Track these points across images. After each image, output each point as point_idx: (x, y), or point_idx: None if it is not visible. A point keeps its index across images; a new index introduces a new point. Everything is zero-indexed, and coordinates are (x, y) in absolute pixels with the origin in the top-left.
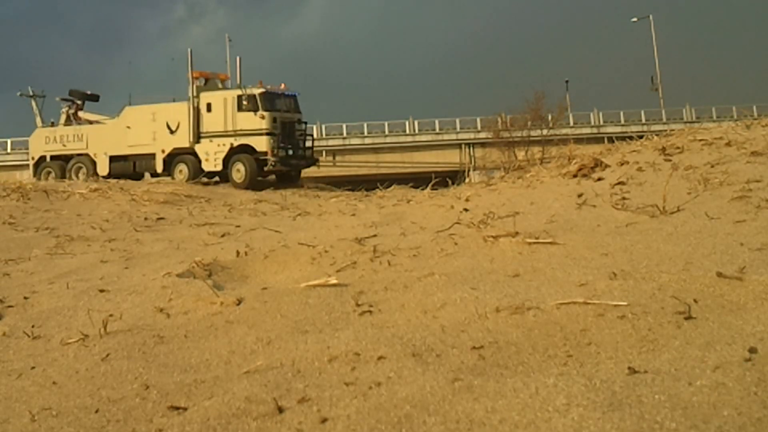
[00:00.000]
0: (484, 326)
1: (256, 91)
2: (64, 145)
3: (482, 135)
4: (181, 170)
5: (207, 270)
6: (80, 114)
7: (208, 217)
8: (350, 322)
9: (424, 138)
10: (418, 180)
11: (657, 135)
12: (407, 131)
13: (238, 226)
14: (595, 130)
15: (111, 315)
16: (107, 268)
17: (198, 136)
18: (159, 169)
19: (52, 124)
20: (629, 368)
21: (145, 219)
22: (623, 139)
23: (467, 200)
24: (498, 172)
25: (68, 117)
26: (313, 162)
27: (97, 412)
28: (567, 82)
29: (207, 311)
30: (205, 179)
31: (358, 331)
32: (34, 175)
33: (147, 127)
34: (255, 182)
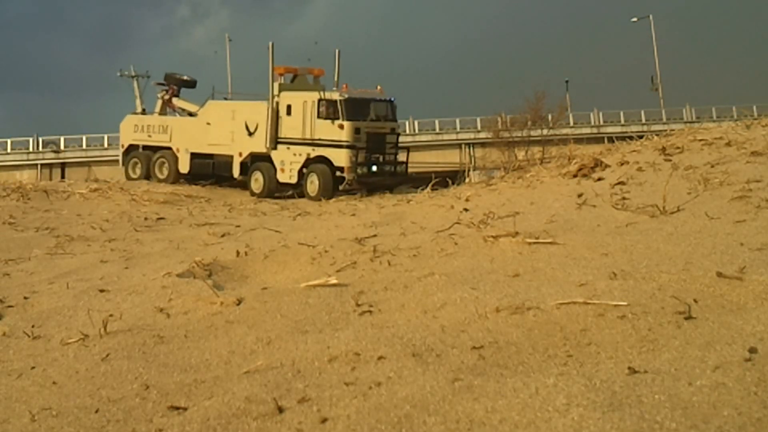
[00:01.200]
0: (484, 326)
1: (337, 96)
2: (150, 136)
3: (482, 135)
4: (257, 179)
5: (207, 270)
6: (174, 101)
7: (208, 217)
8: (350, 322)
9: (424, 138)
10: (418, 180)
11: (657, 135)
12: (407, 131)
13: (238, 226)
14: (595, 130)
15: (111, 315)
16: (107, 268)
17: (276, 142)
18: (236, 173)
19: (143, 112)
20: (629, 368)
21: (145, 219)
22: (623, 139)
23: (467, 200)
24: (498, 172)
25: (164, 104)
26: (405, 179)
27: (97, 412)
28: (567, 82)
29: (207, 311)
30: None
31: (358, 331)
32: (123, 165)
33: (226, 126)
34: (329, 195)
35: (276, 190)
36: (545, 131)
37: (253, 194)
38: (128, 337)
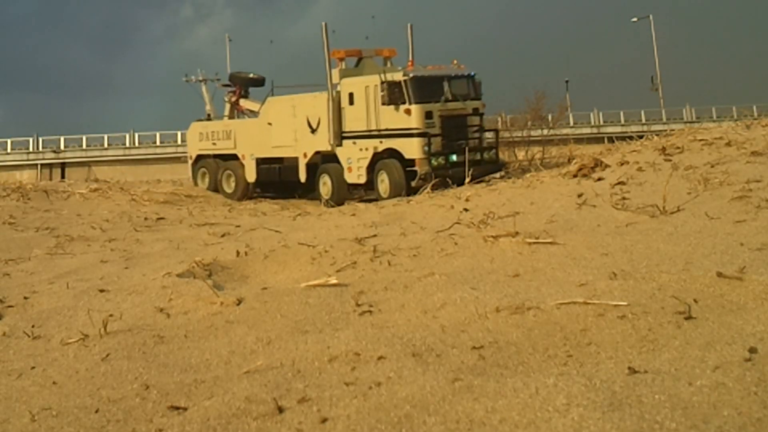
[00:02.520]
0: (484, 326)
1: (400, 76)
2: (215, 144)
3: None
4: (325, 182)
5: (207, 270)
6: (241, 103)
7: (208, 217)
8: (350, 322)
9: None
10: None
11: (657, 135)
12: None
13: (238, 226)
14: (595, 130)
15: (111, 315)
16: (107, 268)
17: (340, 137)
18: (302, 177)
19: (209, 117)
20: (629, 368)
21: (145, 219)
22: (623, 139)
23: (467, 200)
24: (498, 172)
25: (232, 107)
26: (498, 167)
27: (97, 412)
28: (567, 82)
29: (207, 311)
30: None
31: (358, 331)
32: (192, 178)
33: (288, 124)
34: (402, 194)
35: (347, 194)
36: (545, 131)
37: (323, 201)
38: (128, 337)
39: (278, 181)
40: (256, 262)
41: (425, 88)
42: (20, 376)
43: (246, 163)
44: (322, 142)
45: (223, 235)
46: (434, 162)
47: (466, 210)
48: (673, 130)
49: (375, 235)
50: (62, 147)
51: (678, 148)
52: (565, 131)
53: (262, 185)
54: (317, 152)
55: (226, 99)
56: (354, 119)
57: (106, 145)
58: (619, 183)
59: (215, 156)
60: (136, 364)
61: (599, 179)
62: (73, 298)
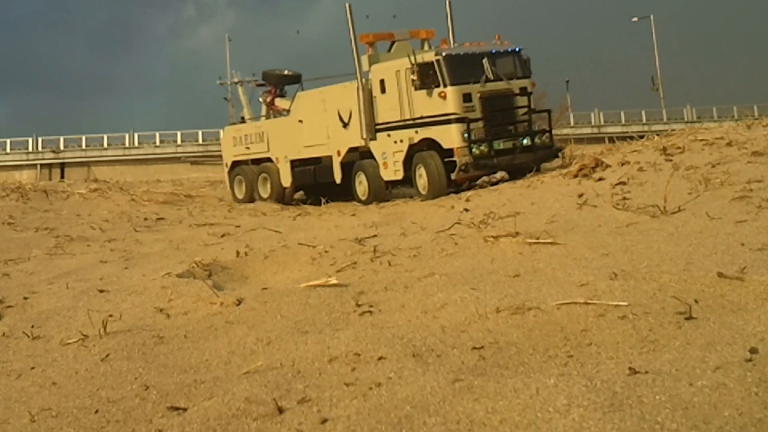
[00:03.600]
0: (485, 326)
1: (432, 56)
2: (248, 148)
3: None
4: (360, 181)
5: (207, 270)
6: (277, 102)
7: (208, 217)
8: (350, 322)
9: None
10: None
11: (658, 135)
12: None
13: (238, 226)
14: (595, 130)
15: (111, 315)
16: (107, 268)
17: (374, 130)
18: (338, 178)
19: (242, 121)
20: (630, 368)
21: (145, 219)
22: (624, 139)
23: (467, 200)
24: (499, 172)
25: (267, 108)
26: (554, 153)
27: (96, 412)
28: (567, 82)
29: (207, 311)
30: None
31: (359, 332)
32: (229, 187)
33: (319, 120)
34: (443, 190)
35: (385, 193)
36: None
37: (360, 202)
38: (128, 338)
39: (314, 183)
40: (256, 262)
41: (461, 68)
42: (20, 376)
43: (281, 166)
44: (355, 136)
45: (223, 236)
46: (475, 150)
47: (466, 210)
48: (673, 130)
49: (375, 236)
50: (62, 147)
51: (679, 148)
52: (565, 131)
53: (305, 189)
54: (351, 149)
55: (261, 99)
56: (387, 109)
57: (105, 145)
58: (619, 183)
59: (252, 161)
60: (136, 365)
61: (600, 179)
62: (72, 298)
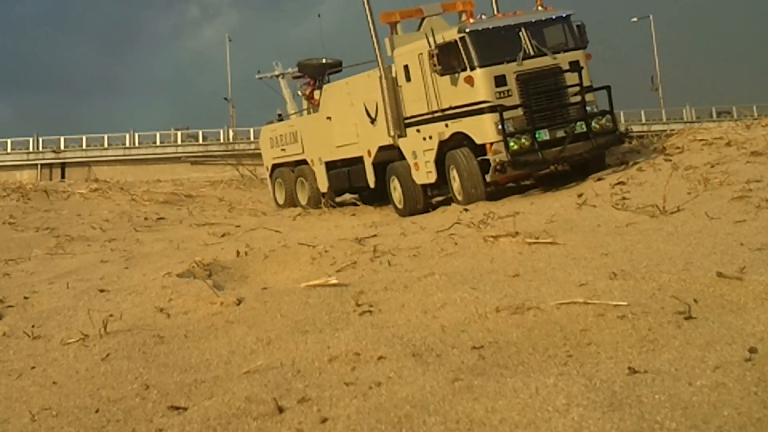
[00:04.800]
0: (484, 326)
1: (454, 34)
2: (283, 150)
3: None
4: (395, 187)
5: (207, 270)
6: (315, 95)
7: (208, 217)
8: (350, 322)
9: None
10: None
11: (657, 135)
12: None
13: (238, 226)
14: None
15: (111, 315)
16: (107, 268)
17: (403, 125)
18: (371, 182)
19: (280, 118)
20: (629, 368)
21: (145, 219)
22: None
23: None
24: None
25: (307, 102)
26: (618, 138)
27: (97, 412)
28: None
29: (207, 311)
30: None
31: (358, 331)
32: (271, 192)
33: (347, 116)
34: (480, 194)
35: (419, 199)
36: None
37: (397, 212)
38: (128, 337)
39: (348, 188)
40: (256, 262)
41: (492, 45)
42: (20, 376)
43: (316, 169)
44: (383, 133)
45: (223, 235)
46: (513, 144)
47: (466, 210)
48: (673, 130)
49: (375, 235)
50: (62, 147)
51: (678, 148)
52: None
53: (336, 194)
54: (382, 148)
55: (300, 93)
56: (414, 100)
57: (106, 145)
58: (619, 183)
59: (290, 164)
60: (136, 364)
61: (599, 179)
62: (73, 298)
